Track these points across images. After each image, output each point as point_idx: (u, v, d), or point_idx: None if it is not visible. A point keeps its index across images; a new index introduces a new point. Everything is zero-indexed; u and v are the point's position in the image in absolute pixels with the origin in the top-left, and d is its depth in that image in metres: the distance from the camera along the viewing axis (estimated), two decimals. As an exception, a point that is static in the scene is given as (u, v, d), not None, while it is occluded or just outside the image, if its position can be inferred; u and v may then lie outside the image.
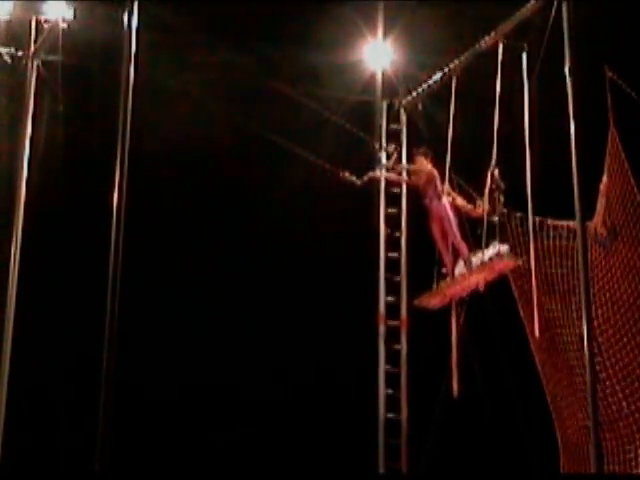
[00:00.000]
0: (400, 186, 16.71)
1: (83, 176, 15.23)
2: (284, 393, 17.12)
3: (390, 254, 16.76)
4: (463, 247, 14.50)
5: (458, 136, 15.36)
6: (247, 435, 17.02)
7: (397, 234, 16.84)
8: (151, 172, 15.28)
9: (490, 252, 14.07)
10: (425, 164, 15.12)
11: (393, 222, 16.80)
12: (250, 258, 17.41)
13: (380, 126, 17.12)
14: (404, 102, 17.21)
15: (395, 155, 16.46)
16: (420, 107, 16.95)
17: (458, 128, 15.35)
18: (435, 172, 14.96)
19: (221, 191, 17.32)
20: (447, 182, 15.08)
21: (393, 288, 16.65)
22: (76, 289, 14.78)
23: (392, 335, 16.46)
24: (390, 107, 17.28)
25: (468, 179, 15.19)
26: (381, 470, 15.78)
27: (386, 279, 16.67)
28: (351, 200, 15.94)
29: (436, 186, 14.82)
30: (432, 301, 15.06)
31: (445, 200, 14.76)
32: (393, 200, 16.87)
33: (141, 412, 16.24)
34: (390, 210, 16.88)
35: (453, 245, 14.66)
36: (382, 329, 16.43)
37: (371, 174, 15.67)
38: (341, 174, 15.41)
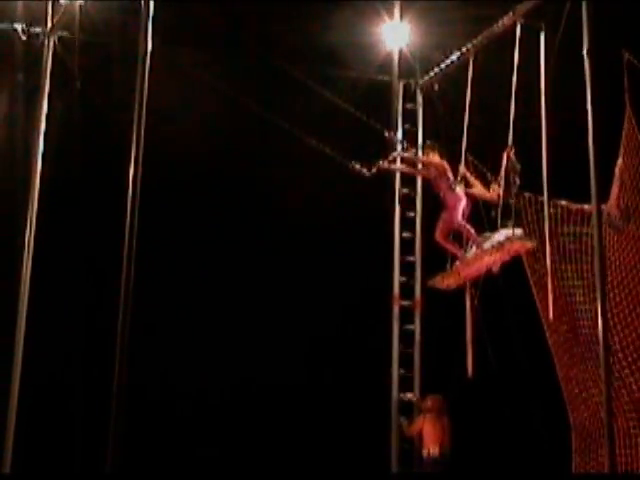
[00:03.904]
0: (410, 177, 16.68)
1: (99, 152, 15.25)
2: (298, 374, 17.13)
3: (404, 234, 16.79)
4: (470, 231, 14.37)
5: (475, 117, 15.31)
6: (261, 418, 17.05)
7: (412, 214, 16.86)
8: (167, 148, 15.27)
9: (504, 233, 14.02)
10: (434, 157, 14.91)
11: (407, 202, 16.81)
12: (263, 239, 17.39)
13: (396, 107, 17.11)
14: (421, 82, 17.20)
15: (406, 145, 16.44)
16: (437, 88, 16.91)
17: (475, 109, 15.31)
18: (445, 164, 14.72)
19: (234, 170, 17.27)
20: (463, 163, 15.03)
21: (407, 269, 16.68)
22: (90, 270, 14.86)
23: (406, 316, 16.51)
24: (407, 87, 17.27)
25: (484, 160, 15.13)
26: (393, 451, 15.88)
27: (400, 260, 16.71)
28: (366, 180, 15.88)
29: (448, 178, 14.63)
30: (446, 282, 15.05)
31: (459, 190, 14.60)
32: (408, 181, 16.87)
33: (153, 411, 16.23)
34: (405, 190, 16.90)
35: (459, 231, 14.53)
36: (396, 310, 16.49)
37: (381, 164, 15.47)
38: (350, 165, 15.31)
